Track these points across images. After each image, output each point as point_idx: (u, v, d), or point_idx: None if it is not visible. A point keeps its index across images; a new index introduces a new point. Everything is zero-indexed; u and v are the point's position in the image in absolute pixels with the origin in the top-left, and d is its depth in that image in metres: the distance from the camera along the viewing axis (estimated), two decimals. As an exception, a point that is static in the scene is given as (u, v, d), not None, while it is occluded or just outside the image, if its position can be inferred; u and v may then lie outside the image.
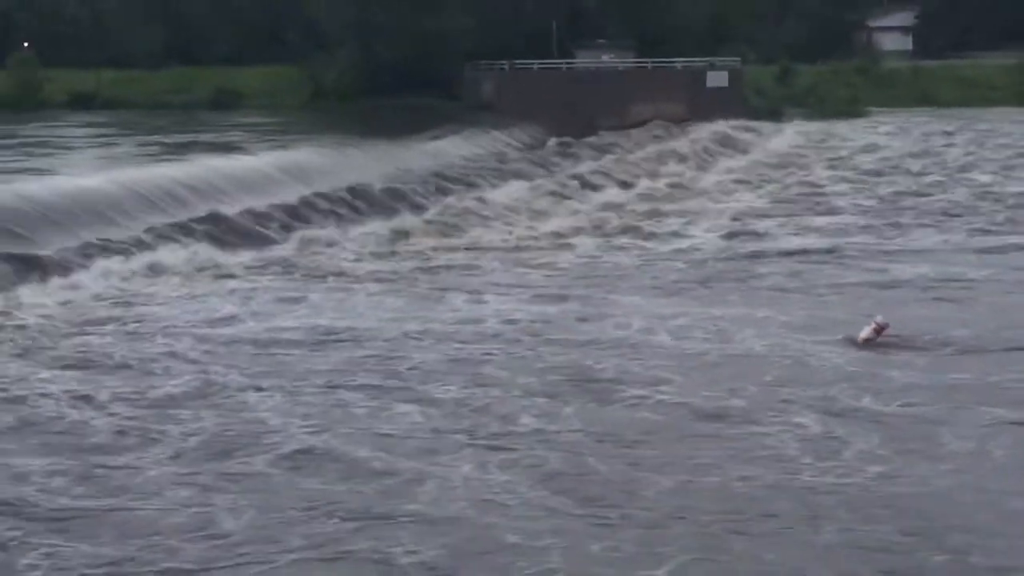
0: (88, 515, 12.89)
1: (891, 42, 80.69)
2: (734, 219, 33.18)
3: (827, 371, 17.04)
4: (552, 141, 50.28)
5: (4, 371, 17.99)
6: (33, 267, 24.55)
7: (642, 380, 16.80)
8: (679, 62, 67.05)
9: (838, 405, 15.28)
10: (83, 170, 37.76)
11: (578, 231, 32.14)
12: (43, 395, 16.58)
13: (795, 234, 30.46)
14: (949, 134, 55.53)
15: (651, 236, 30.79)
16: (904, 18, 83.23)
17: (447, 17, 70.40)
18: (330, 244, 29.79)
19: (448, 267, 27.59)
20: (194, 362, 18.50)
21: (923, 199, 36.33)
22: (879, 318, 19.20)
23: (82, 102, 76.90)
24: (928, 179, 41.28)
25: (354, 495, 12.91)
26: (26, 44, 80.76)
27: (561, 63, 69.39)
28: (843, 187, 39.85)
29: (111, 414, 15.85)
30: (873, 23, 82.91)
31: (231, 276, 25.91)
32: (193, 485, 13.49)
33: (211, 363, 18.56)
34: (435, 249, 29.66)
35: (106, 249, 26.51)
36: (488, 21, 71.23)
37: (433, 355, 18.75)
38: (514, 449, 14.24)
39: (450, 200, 35.93)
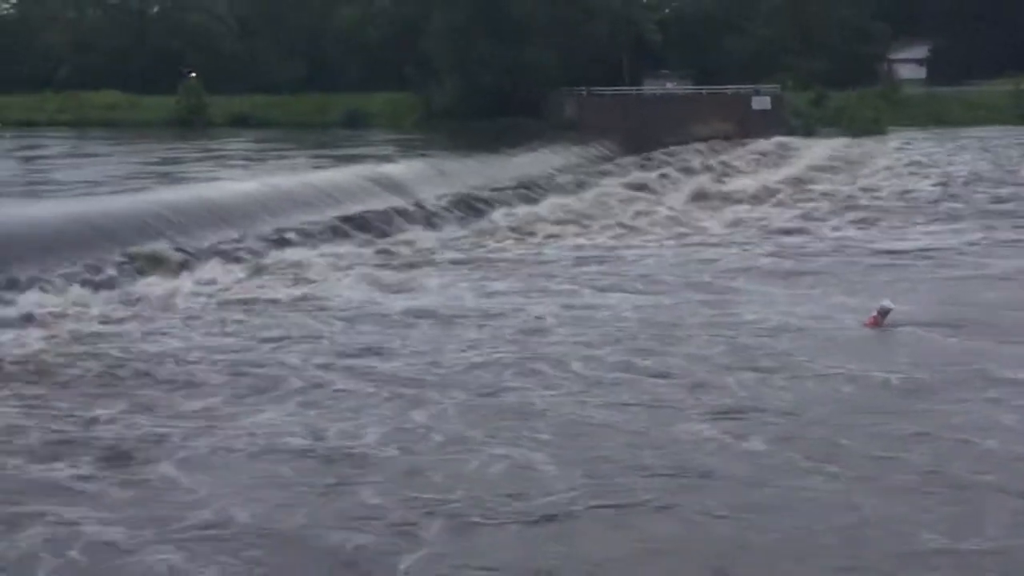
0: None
1: (908, 72, 79.92)
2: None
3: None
4: (630, 157, 49.68)
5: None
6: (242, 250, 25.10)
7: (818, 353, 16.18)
8: (729, 88, 66.62)
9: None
10: (257, 176, 38.09)
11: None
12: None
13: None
14: (957, 143, 55.84)
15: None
16: (919, 51, 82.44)
17: (535, 51, 70.57)
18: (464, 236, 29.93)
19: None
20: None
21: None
22: (886, 302, 18.61)
23: (239, 122, 77.38)
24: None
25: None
26: (193, 74, 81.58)
27: (631, 89, 69.34)
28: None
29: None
30: (892, 56, 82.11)
31: (420, 264, 25.86)
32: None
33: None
34: (549, 236, 29.96)
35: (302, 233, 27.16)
36: (570, 54, 71.42)
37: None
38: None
39: (552, 199, 36.11)
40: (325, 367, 15.72)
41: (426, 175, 37.20)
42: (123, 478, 11.40)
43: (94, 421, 13.34)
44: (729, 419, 13.03)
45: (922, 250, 26.49)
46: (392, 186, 34.42)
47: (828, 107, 69.44)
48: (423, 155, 45.76)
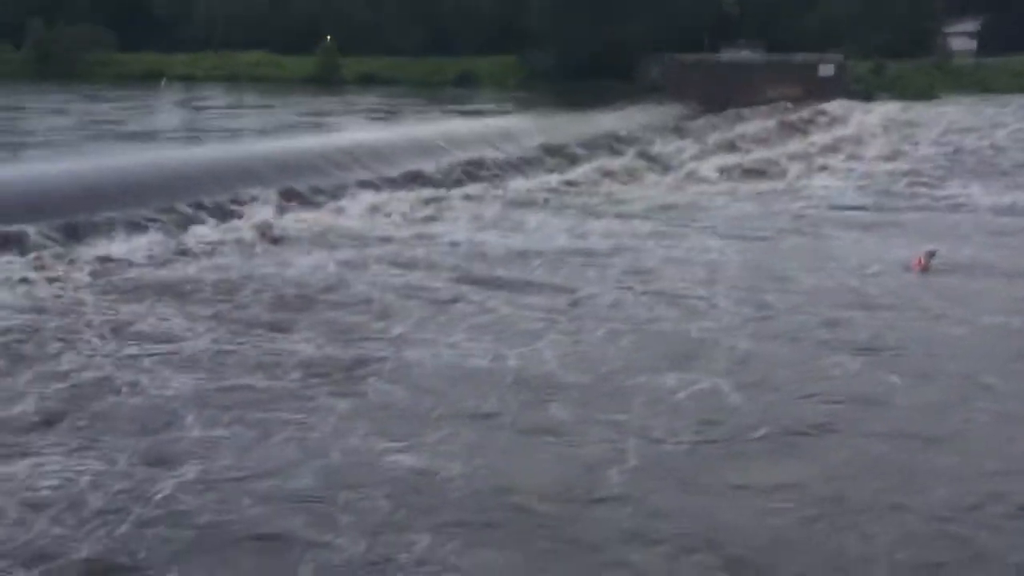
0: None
1: (960, 44, 77.54)
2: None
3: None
4: (710, 116, 49.32)
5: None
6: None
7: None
8: (798, 57, 65.29)
9: None
10: (387, 127, 38.81)
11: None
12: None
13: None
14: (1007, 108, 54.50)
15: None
16: (971, 25, 79.72)
17: (626, 21, 69.74)
18: (570, 183, 30.24)
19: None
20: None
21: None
22: (931, 247, 18.49)
23: (367, 80, 77.71)
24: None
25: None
26: (328, 38, 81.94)
27: (710, 56, 67.99)
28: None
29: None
30: (947, 30, 79.53)
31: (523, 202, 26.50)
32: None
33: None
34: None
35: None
36: (657, 24, 70.50)
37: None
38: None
39: (639, 149, 36.45)
40: (488, 295, 15.87)
41: (530, 128, 37.35)
42: (341, 390, 11.34)
43: (291, 339, 13.56)
44: (869, 354, 12.70)
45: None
46: (501, 136, 34.70)
47: (886, 75, 68.64)
48: (526, 112, 46.30)
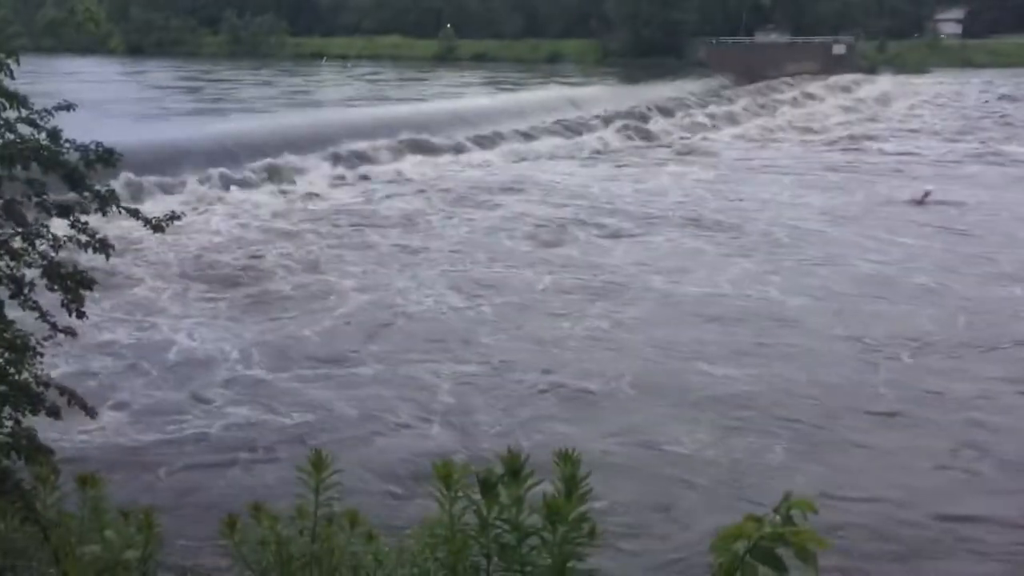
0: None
1: (948, 28, 77.27)
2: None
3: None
4: (744, 86, 50.16)
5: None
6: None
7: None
8: (816, 39, 66.03)
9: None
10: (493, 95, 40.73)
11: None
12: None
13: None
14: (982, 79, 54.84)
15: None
16: (957, 13, 79.09)
17: (682, 11, 71.00)
18: (647, 137, 31.34)
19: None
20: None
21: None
22: (928, 187, 19.42)
23: (477, 59, 78.82)
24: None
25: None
26: (448, 25, 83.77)
27: (745, 39, 69.19)
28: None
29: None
30: (937, 16, 79.28)
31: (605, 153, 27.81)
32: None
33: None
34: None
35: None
36: (704, 12, 71.57)
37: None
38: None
39: (707, 108, 37.59)
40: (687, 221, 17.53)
41: (605, 95, 38.56)
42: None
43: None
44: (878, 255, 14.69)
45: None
46: (582, 102, 35.77)
47: (888, 53, 68.51)
48: (601, 83, 47.04)
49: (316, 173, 22.03)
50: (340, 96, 42.39)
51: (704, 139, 31.56)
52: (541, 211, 17.91)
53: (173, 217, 5.93)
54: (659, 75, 49.51)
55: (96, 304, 10.01)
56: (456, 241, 15.61)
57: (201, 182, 20.12)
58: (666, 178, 22.60)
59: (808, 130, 33.43)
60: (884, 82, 55.53)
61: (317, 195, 20.07)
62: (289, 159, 22.21)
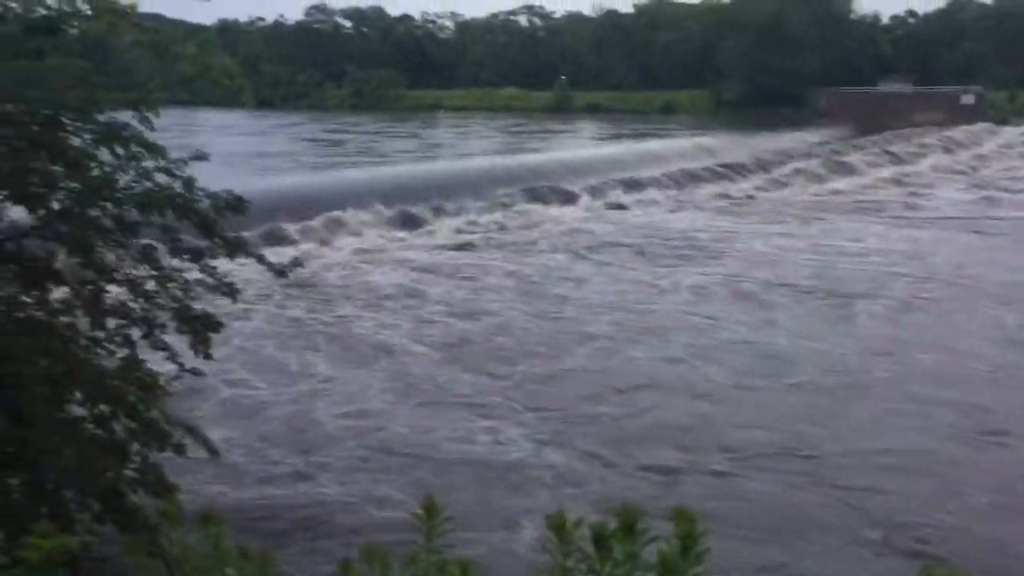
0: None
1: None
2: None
3: None
4: (868, 137, 48.53)
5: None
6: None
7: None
8: (941, 88, 64.05)
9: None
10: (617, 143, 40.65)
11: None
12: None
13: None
14: None
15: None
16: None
17: (801, 60, 70.19)
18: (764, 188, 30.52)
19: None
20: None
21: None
22: None
23: (591, 109, 79.21)
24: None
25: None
26: (563, 77, 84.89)
27: (868, 88, 67.67)
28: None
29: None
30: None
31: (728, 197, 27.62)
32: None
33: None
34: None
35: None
36: (825, 61, 70.51)
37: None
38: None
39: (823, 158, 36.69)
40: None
41: (727, 145, 38.13)
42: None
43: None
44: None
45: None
46: (707, 151, 35.59)
47: (1019, 103, 65.94)
48: (723, 132, 46.16)
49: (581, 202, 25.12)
50: (485, 147, 42.98)
51: (858, 187, 30.66)
52: (769, 274, 16.21)
53: (296, 264, 6.18)
54: (779, 124, 48.89)
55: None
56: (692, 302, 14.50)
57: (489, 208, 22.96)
58: (873, 237, 20.84)
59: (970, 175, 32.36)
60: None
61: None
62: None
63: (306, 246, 17.82)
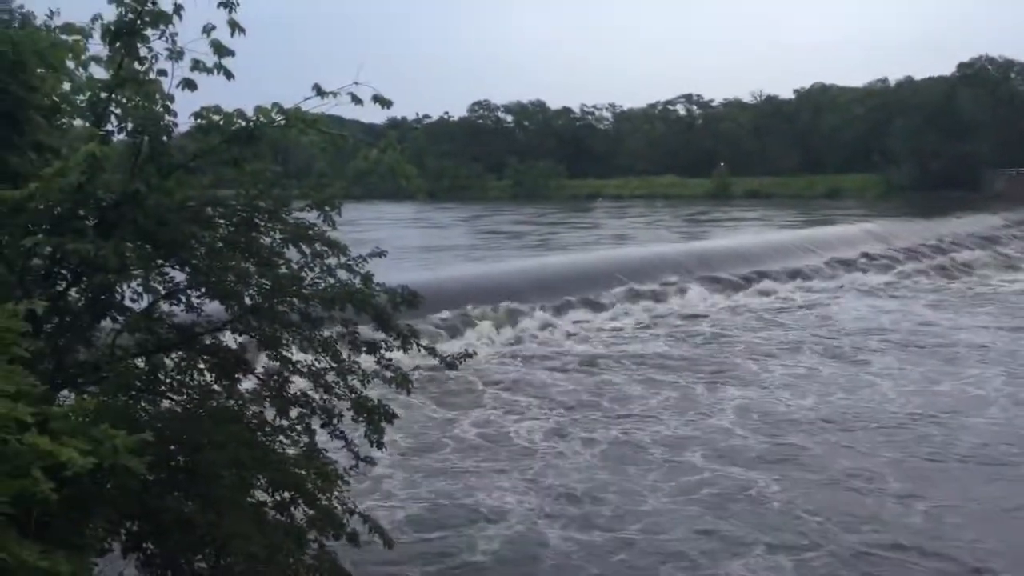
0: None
1: None
2: None
3: None
4: None
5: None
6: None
7: None
8: None
9: None
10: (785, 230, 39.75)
11: None
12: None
13: None
14: None
15: None
16: None
17: (975, 142, 67.20)
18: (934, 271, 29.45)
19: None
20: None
21: None
22: None
23: (751, 195, 78.52)
24: None
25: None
26: (722, 164, 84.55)
27: (1050, 169, 63.93)
28: None
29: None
30: None
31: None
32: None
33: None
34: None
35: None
36: (1000, 142, 67.24)
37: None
38: None
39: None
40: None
41: (900, 230, 36.74)
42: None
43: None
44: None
45: None
46: (876, 237, 34.35)
47: None
48: (892, 218, 44.08)
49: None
50: (661, 235, 42.47)
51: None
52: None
53: (466, 355, 6.29)
54: (953, 208, 46.49)
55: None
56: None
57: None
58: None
59: None
60: None
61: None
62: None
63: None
